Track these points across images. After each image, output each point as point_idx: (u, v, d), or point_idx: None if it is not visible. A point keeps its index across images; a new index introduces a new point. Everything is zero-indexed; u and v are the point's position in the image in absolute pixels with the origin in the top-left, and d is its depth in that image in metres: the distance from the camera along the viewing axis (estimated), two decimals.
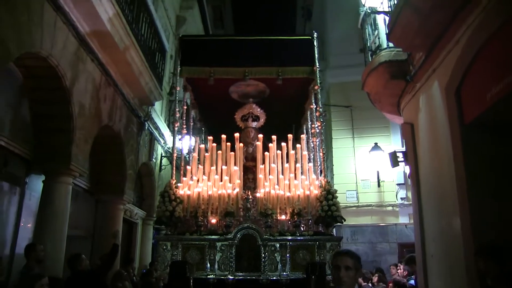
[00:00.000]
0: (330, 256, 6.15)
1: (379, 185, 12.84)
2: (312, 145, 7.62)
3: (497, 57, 3.92)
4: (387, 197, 12.79)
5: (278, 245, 6.38)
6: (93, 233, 8.88)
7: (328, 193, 6.54)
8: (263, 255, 6.32)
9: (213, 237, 6.42)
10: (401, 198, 12.22)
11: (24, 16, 5.10)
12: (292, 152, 7.35)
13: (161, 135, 11.80)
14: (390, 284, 7.90)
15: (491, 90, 3.89)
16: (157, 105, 11.22)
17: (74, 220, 7.40)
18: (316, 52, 7.57)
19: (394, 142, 12.56)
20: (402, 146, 6.80)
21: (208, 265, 6.30)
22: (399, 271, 8.39)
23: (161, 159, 12.18)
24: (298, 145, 7.52)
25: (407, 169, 6.95)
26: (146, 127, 10.38)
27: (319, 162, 7.26)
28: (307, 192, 6.66)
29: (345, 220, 6.69)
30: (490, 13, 3.95)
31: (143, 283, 7.81)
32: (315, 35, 7.71)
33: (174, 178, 6.98)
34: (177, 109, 7.60)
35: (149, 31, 9.17)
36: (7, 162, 6.00)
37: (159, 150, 12.03)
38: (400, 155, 7.09)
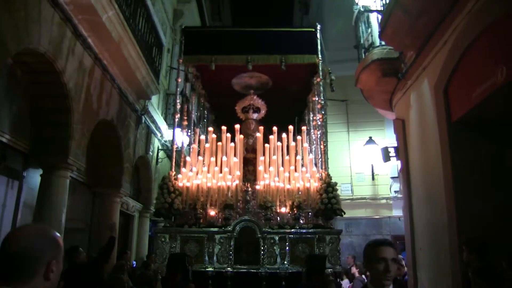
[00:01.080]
0: (330, 249, 6.17)
1: (373, 178, 12.99)
2: (313, 138, 7.58)
3: (481, 58, 4.04)
4: (381, 190, 12.95)
5: (277, 238, 6.34)
6: (90, 226, 8.95)
7: (328, 186, 6.49)
8: (262, 248, 6.29)
9: (212, 229, 6.39)
10: (395, 191, 12.33)
11: (21, 12, 5.14)
12: (292, 144, 7.29)
13: (158, 128, 11.86)
14: None
15: (476, 90, 4.01)
16: (154, 99, 11.28)
17: (72, 212, 7.45)
18: (319, 44, 7.48)
19: (388, 137, 12.63)
20: (396, 141, 6.89)
21: (207, 257, 6.28)
22: None
23: (157, 152, 12.26)
24: (298, 137, 7.45)
25: (400, 164, 7.05)
26: (143, 121, 10.44)
27: (319, 155, 7.21)
28: (307, 185, 6.60)
29: (344, 213, 6.64)
30: (475, 17, 4.06)
31: (140, 276, 7.80)
32: (318, 27, 7.62)
33: (173, 170, 6.90)
34: (177, 101, 7.51)
35: (146, 25, 9.20)
36: (5, 156, 6.06)
37: (156, 143, 12.10)
38: (391, 150, 7.20)
